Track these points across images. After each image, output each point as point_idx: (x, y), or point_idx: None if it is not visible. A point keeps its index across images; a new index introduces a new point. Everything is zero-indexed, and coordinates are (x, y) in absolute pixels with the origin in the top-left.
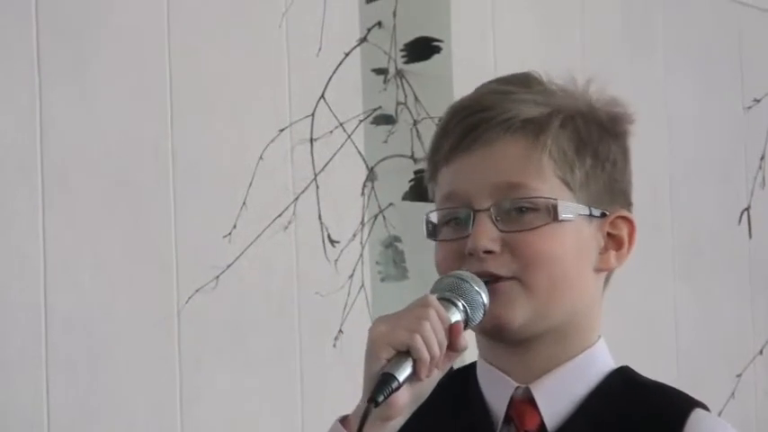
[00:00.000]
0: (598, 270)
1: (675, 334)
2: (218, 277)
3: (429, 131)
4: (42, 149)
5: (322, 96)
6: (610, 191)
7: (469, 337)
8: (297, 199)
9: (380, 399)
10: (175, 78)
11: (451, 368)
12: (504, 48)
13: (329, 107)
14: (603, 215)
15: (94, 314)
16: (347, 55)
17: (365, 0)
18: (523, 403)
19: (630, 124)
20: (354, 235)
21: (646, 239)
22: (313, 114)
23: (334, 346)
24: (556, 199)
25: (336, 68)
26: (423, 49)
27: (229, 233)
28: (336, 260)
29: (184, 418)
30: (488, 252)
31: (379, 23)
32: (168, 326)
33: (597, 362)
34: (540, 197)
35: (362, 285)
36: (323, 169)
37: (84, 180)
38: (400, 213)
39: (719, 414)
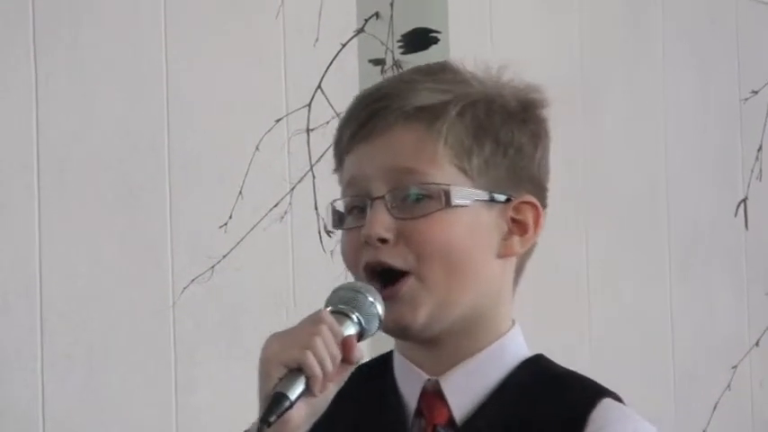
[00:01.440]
0: (502, 256)
1: (671, 325)
2: (213, 268)
3: None
4: (38, 141)
5: (319, 87)
6: (513, 176)
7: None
8: (293, 189)
9: (272, 419)
10: (171, 69)
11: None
12: (502, 38)
13: (326, 97)
14: (507, 200)
15: (90, 307)
16: (344, 45)
17: None
18: (433, 396)
19: (543, 109)
20: None
21: (643, 231)
22: (309, 105)
23: None
24: (448, 185)
25: (333, 59)
26: (420, 39)
27: (225, 224)
28: (332, 250)
29: (180, 410)
30: (383, 240)
31: (377, 14)
32: (164, 317)
33: (509, 352)
34: (433, 183)
35: None
36: (319, 160)
37: (80, 172)
38: None
39: (716, 405)
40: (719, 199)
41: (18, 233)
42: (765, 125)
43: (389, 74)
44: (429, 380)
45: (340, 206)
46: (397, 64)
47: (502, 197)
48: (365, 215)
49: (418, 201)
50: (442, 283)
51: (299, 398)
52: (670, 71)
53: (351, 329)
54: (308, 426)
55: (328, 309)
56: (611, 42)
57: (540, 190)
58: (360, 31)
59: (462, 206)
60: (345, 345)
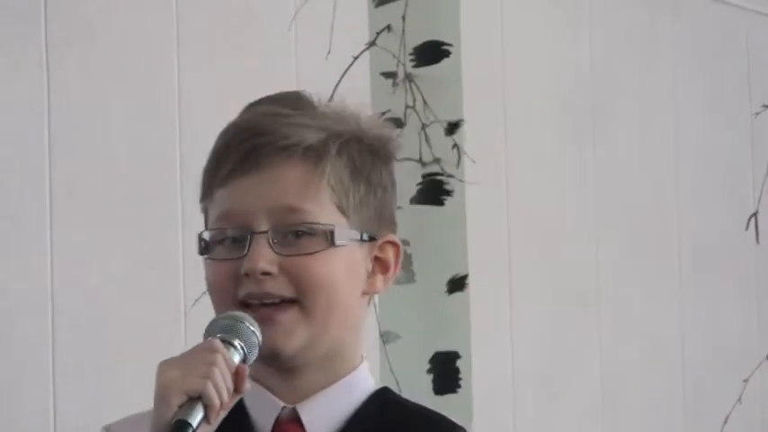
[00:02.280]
0: (366, 293)
1: (681, 338)
2: None
3: (438, 135)
4: (51, 153)
5: (330, 99)
6: (379, 216)
7: None
8: None
9: None
10: (183, 81)
11: None
12: (514, 51)
13: None
14: (372, 239)
15: (101, 317)
16: (356, 58)
17: (375, 4)
18: (289, 423)
19: (398, 147)
20: None
21: (653, 244)
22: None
23: None
24: (333, 225)
25: (345, 72)
26: (432, 52)
27: None
28: None
29: None
30: (265, 274)
31: (389, 27)
32: (175, 328)
33: (360, 383)
34: (319, 223)
35: None
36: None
37: (92, 183)
38: (408, 217)
39: (726, 419)
40: (730, 212)
41: (29, 244)
42: None
43: (401, 87)
44: (284, 407)
45: (207, 236)
46: (408, 77)
47: (368, 237)
48: (241, 247)
49: (299, 237)
50: (321, 316)
51: (197, 427)
52: (681, 85)
53: (236, 358)
54: None
55: (218, 336)
56: (621, 56)
57: (395, 227)
58: (371, 44)
59: (342, 246)
60: (238, 374)
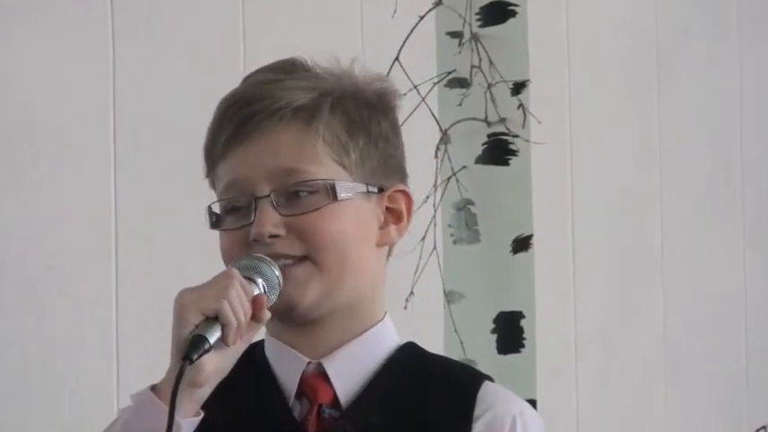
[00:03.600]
0: (380, 245)
1: (745, 302)
2: None
3: (504, 95)
4: (115, 105)
5: (396, 59)
6: (385, 167)
7: None
8: None
9: (194, 357)
10: (249, 36)
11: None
12: (578, 11)
13: (403, 69)
14: (381, 190)
15: (165, 273)
16: (422, 18)
17: None
18: (316, 378)
19: (398, 99)
20: (427, 197)
21: (717, 208)
22: (388, 76)
23: (405, 308)
24: (333, 180)
25: (411, 31)
26: (498, 12)
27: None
28: None
29: None
30: (274, 236)
31: None
32: None
33: (385, 337)
34: (318, 179)
35: (434, 248)
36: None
37: (156, 137)
38: (473, 176)
39: None
40: None
41: (94, 196)
42: None
43: (467, 47)
44: (310, 362)
45: (216, 208)
46: (474, 37)
47: (376, 188)
48: (248, 215)
49: (302, 196)
50: (335, 269)
51: (214, 345)
52: (747, 54)
53: (256, 291)
54: (215, 383)
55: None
56: (687, 18)
57: (404, 176)
58: (438, 3)
59: (347, 199)
60: (256, 302)
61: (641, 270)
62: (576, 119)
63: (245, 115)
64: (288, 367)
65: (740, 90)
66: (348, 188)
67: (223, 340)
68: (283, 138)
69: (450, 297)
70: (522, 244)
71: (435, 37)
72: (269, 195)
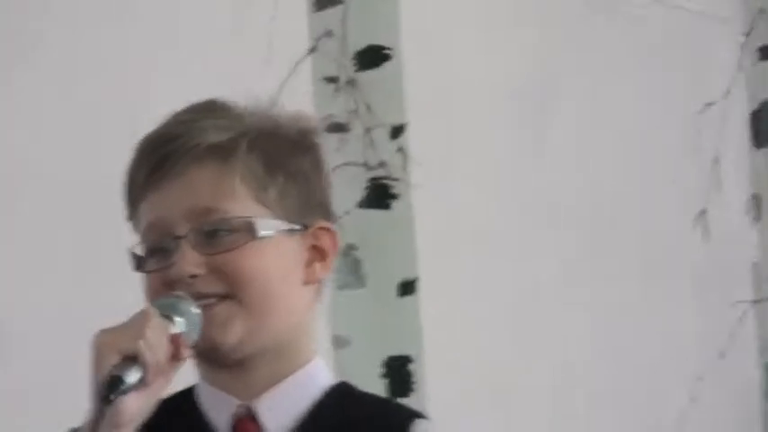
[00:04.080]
0: (306, 283)
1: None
2: None
3: (382, 138)
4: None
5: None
6: (307, 204)
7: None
8: None
9: (112, 397)
10: (130, 96)
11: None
12: (455, 53)
13: None
14: (305, 228)
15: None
16: (297, 64)
17: (314, 8)
18: (247, 421)
19: (319, 136)
20: None
21: (599, 245)
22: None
23: None
24: (253, 217)
25: (287, 78)
26: (373, 56)
27: None
28: None
29: None
30: (194, 276)
31: (329, 32)
32: None
33: (316, 377)
34: (236, 216)
35: None
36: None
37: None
38: (356, 221)
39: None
40: (676, 210)
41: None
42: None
43: (344, 92)
44: (240, 405)
45: (138, 250)
46: (351, 81)
47: (298, 226)
48: (169, 256)
49: (223, 236)
50: (257, 306)
51: (133, 385)
52: (627, 85)
53: (175, 330)
54: (138, 424)
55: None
56: (565, 55)
57: (329, 214)
58: (313, 49)
59: (268, 237)
60: (175, 341)
61: (535, 310)
62: (457, 158)
63: (162, 155)
64: (218, 410)
65: (621, 125)
66: (268, 225)
67: (143, 380)
68: (200, 176)
69: (337, 342)
70: (407, 287)
71: (312, 82)
72: (187, 235)
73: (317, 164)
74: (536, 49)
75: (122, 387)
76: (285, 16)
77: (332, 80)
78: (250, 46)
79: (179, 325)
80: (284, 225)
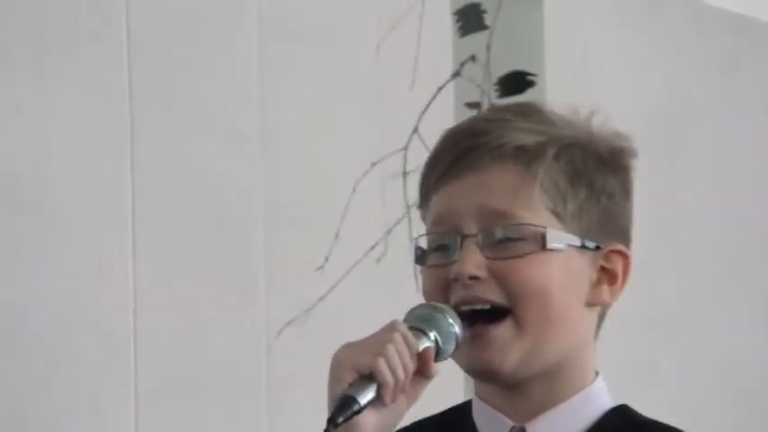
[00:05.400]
0: (590, 305)
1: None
2: (309, 311)
3: None
4: (133, 183)
5: (415, 130)
6: (605, 224)
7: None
8: (389, 232)
9: (340, 420)
10: (267, 111)
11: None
12: (597, 80)
13: (422, 141)
14: (597, 248)
15: (184, 348)
16: (441, 88)
17: (459, 34)
18: None
19: (633, 159)
20: None
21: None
22: (406, 148)
23: None
24: (545, 227)
25: (430, 102)
26: (517, 82)
27: (322, 266)
28: None
29: None
30: (474, 278)
31: (473, 57)
32: (257, 359)
33: (594, 401)
34: (529, 224)
35: None
36: (416, 203)
37: (175, 214)
38: None
39: None
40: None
41: (114, 273)
42: None
43: None
44: (514, 426)
45: (422, 243)
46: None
47: (592, 244)
48: (451, 254)
49: (509, 242)
50: (536, 327)
51: (368, 404)
52: (760, 127)
53: (425, 344)
54: None
55: (409, 324)
56: (698, 95)
57: (627, 240)
58: (456, 74)
59: (557, 250)
60: (422, 357)
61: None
62: None
63: (464, 149)
64: (491, 430)
65: (752, 167)
66: (560, 238)
67: (379, 399)
68: (500, 177)
69: None
70: None
71: (453, 107)
72: (476, 235)
73: (624, 186)
74: (668, 81)
75: (353, 408)
76: (430, 41)
77: (474, 105)
78: (394, 70)
79: (429, 342)
80: (576, 240)
